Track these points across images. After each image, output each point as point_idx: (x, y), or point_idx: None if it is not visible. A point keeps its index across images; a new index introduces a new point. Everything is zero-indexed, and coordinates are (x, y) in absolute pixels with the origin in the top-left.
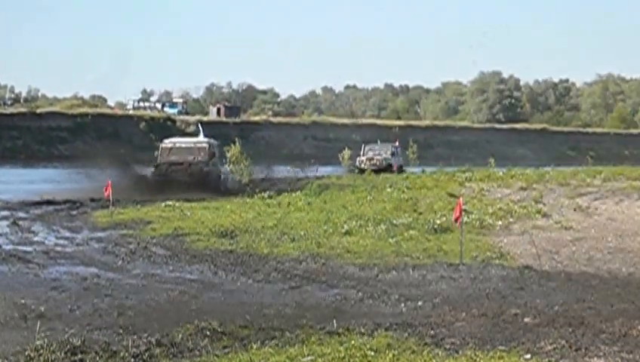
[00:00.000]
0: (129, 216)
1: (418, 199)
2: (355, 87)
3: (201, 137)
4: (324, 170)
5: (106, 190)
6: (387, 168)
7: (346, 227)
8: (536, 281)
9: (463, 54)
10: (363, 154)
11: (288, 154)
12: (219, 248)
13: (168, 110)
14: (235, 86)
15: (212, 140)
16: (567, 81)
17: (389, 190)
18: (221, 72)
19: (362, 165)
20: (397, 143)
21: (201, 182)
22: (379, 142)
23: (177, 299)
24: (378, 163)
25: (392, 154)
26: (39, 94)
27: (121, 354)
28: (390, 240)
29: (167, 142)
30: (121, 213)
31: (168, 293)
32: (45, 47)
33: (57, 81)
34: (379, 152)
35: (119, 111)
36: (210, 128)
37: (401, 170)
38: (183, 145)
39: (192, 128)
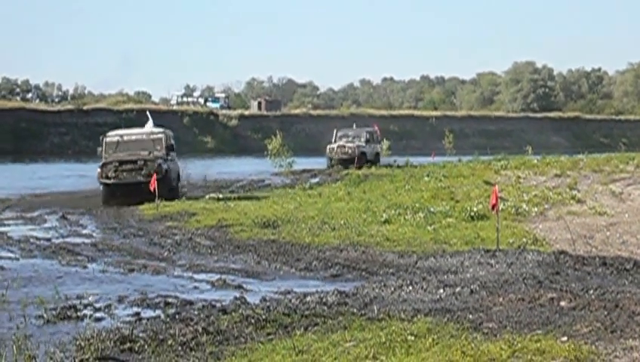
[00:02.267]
0: (174, 209)
1: (455, 187)
2: (392, 79)
3: (150, 125)
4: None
5: (151, 184)
6: (360, 159)
7: (385, 216)
8: (572, 266)
9: (497, 45)
10: (334, 141)
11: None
12: (262, 238)
13: (211, 105)
14: (275, 80)
15: (167, 130)
16: (599, 69)
17: (426, 179)
18: (262, 66)
19: (332, 154)
20: (375, 128)
21: (159, 183)
22: (354, 126)
23: (221, 288)
24: (350, 152)
25: (367, 141)
26: (86, 91)
27: (169, 342)
28: (428, 227)
29: (113, 135)
30: (167, 206)
31: (213, 283)
32: (92, 45)
33: (103, 79)
34: (352, 139)
35: (163, 107)
36: (252, 121)
37: (374, 161)
38: (133, 138)
39: (234, 122)
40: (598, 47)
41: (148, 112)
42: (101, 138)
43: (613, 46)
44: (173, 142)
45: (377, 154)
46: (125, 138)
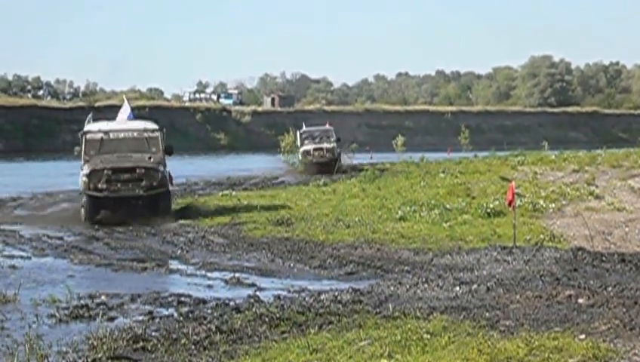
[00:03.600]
0: (187, 206)
1: (471, 184)
2: (407, 74)
3: (125, 114)
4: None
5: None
6: (333, 162)
7: (400, 213)
8: (590, 262)
9: (513, 39)
10: (300, 144)
11: (342, 142)
12: (275, 236)
13: (224, 101)
14: (288, 76)
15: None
16: (617, 63)
17: (442, 175)
18: (275, 62)
19: (308, 158)
20: (328, 125)
21: (161, 198)
22: (304, 125)
23: (235, 287)
24: (329, 155)
25: (338, 140)
26: (97, 88)
27: (182, 341)
28: (444, 224)
29: (95, 131)
30: (179, 204)
31: (227, 281)
32: (103, 42)
33: (115, 75)
34: (319, 140)
35: (176, 103)
36: (265, 117)
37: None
38: (122, 135)
39: (247, 118)
40: (616, 41)
41: (125, 98)
42: (80, 134)
43: (632, 39)
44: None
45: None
46: (111, 135)
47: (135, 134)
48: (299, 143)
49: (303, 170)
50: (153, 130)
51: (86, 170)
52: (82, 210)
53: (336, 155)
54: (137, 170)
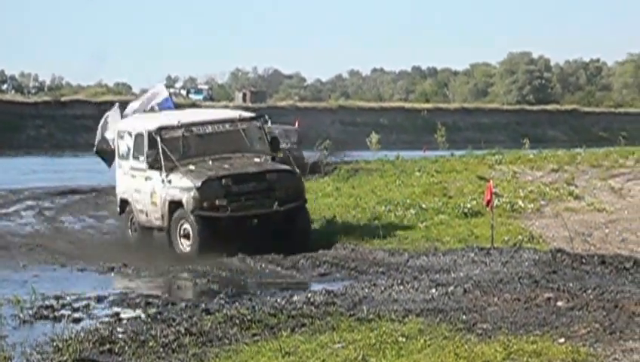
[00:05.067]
0: None
1: (448, 183)
2: (382, 70)
3: (156, 99)
4: None
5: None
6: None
7: (374, 212)
8: (569, 265)
9: (491, 35)
10: None
11: (316, 139)
12: None
13: (193, 96)
14: (260, 71)
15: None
16: (598, 60)
17: (417, 174)
18: (246, 57)
19: None
20: (297, 125)
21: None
22: (269, 122)
23: (207, 288)
24: (284, 157)
25: (300, 142)
26: (63, 82)
27: (150, 343)
28: (420, 224)
29: (172, 123)
30: None
31: (197, 282)
32: (69, 34)
33: (81, 69)
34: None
35: None
36: None
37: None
38: (210, 129)
39: None
40: (596, 37)
41: (162, 85)
42: (144, 132)
43: (613, 36)
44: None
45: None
46: (195, 130)
47: (228, 126)
48: None
49: None
50: (251, 120)
51: (189, 180)
52: (176, 239)
53: (291, 159)
54: (267, 176)
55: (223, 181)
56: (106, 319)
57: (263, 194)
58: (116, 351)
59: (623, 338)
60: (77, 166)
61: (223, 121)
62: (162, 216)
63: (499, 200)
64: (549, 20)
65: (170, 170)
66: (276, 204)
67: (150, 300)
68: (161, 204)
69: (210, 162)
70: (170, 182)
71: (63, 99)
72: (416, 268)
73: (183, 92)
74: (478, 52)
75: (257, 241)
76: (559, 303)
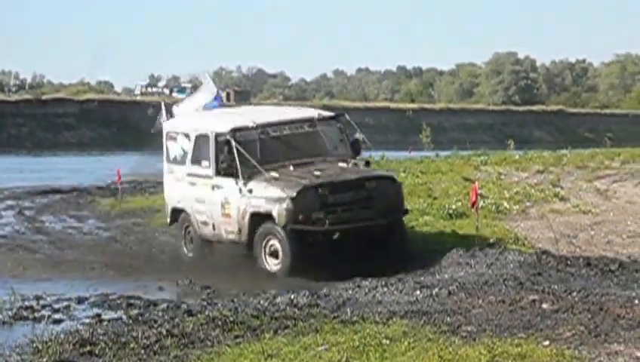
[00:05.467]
0: (137, 205)
1: (433, 184)
2: (367, 69)
3: (205, 98)
4: None
5: (118, 178)
6: None
7: None
8: (554, 266)
9: (477, 34)
10: None
11: None
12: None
13: (177, 95)
14: (244, 70)
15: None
16: (584, 61)
17: (402, 175)
18: (230, 55)
19: None
20: None
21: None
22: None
23: (189, 289)
24: None
25: None
26: (44, 80)
27: (131, 345)
28: None
29: (246, 124)
30: (129, 202)
31: (178, 283)
32: (51, 32)
33: (63, 67)
34: None
35: (126, 97)
36: None
37: None
38: (287, 130)
39: None
40: (582, 38)
41: (207, 75)
42: (210, 134)
43: (599, 36)
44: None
45: None
46: (272, 132)
47: (307, 127)
48: None
49: None
50: (330, 119)
51: (279, 190)
52: (260, 257)
53: None
54: (367, 184)
55: (319, 190)
56: (87, 320)
57: (361, 205)
58: (97, 352)
59: (607, 341)
60: (58, 165)
61: (302, 121)
62: (239, 230)
63: (484, 202)
64: (535, 20)
65: (249, 177)
66: (380, 216)
67: (132, 301)
68: (237, 216)
69: (292, 168)
70: (250, 191)
71: (44, 97)
72: (401, 270)
73: (167, 91)
74: (464, 52)
75: (353, 257)
76: (544, 305)
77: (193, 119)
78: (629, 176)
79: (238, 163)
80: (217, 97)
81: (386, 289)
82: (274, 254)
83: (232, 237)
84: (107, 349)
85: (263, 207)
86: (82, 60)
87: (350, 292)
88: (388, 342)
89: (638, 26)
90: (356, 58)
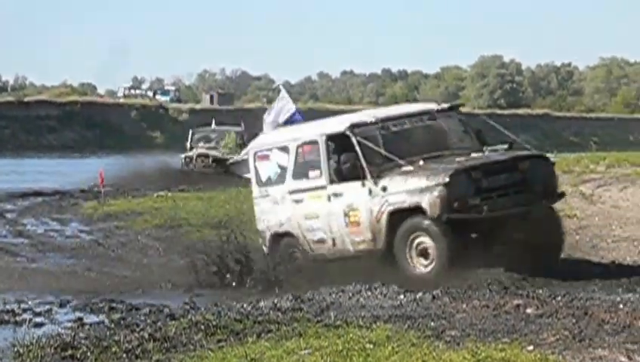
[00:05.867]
0: (120, 208)
1: None
2: (352, 72)
3: (283, 115)
4: None
5: (100, 181)
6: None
7: None
8: (539, 271)
9: (462, 38)
10: (189, 146)
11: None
12: (213, 239)
13: (160, 98)
14: (228, 72)
15: None
16: (569, 64)
17: None
18: (214, 58)
19: (189, 165)
20: (242, 126)
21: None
22: (213, 124)
23: (171, 292)
24: (215, 163)
25: (241, 146)
26: (27, 82)
27: (113, 349)
28: None
29: (365, 120)
30: (112, 204)
31: (161, 286)
32: (33, 34)
33: (46, 69)
34: (216, 143)
35: (109, 100)
36: (203, 115)
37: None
38: (407, 124)
39: (184, 116)
40: (568, 41)
41: (282, 88)
42: (318, 139)
43: (584, 40)
44: None
45: None
46: (392, 127)
47: (427, 120)
48: (188, 146)
49: (183, 179)
50: (449, 111)
51: (425, 178)
52: (405, 259)
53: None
54: (519, 165)
55: (472, 174)
56: (69, 324)
57: (516, 189)
58: (78, 356)
59: (592, 345)
60: (40, 167)
61: (421, 114)
62: (373, 236)
63: None
64: (521, 24)
65: (378, 175)
66: (539, 201)
67: (114, 305)
68: (369, 220)
69: (422, 162)
70: (384, 189)
71: (26, 99)
72: (385, 274)
73: (150, 93)
74: (449, 55)
75: (509, 251)
76: (528, 310)
77: (287, 131)
78: (614, 180)
79: (363, 161)
80: (296, 112)
81: (369, 293)
82: (423, 253)
83: (363, 247)
84: (89, 353)
85: (407, 201)
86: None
87: (334, 296)
88: (371, 346)
89: (623, 29)
90: (341, 61)
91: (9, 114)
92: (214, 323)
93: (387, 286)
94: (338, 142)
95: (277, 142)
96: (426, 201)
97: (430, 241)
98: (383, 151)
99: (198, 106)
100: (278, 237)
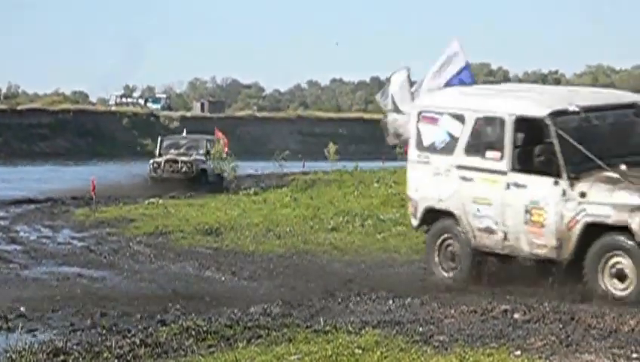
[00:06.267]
0: (111, 215)
1: (406, 194)
2: (341, 80)
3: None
4: None
5: (92, 188)
6: (199, 176)
7: (332, 223)
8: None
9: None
10: (158, 153)
11: (274, 149)
12: (203, 246)
13: (151, 106)
14: (219, 81)
15: None
16: (556, 72)
17: (376, 185)
18: (205, 66)
19: (157, 173)
20: (219, 135)
21: None
22: (185, 132)
23: (162, 299)
24: (185, 169)
25: (208, 153)
26: (19, 90)
27: (105, 354)
28: (377, 236)
29: (564, 108)
30: (104, 212)
31: (153, 292)
32: (25, 42)
33: (38, 77)
34: (186, 150)
35: (101, 108)
36: (194, 123)
37: (216, 182)
38: (611, 117)
39: (175, 124)
40: (554, 49)
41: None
42: (505, 117)
43: (571, 48)
44: None
45: (219, 175)
46: (599, 119)
47: (632, 115)
48: (157, 151)
49: (151, 186)
50: None
51: (637, 196)
52: (596, 280)
53: (197, 170)
54: None
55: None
56: (61, 330)
57: None
58: None
59: (578, 350)
60: (32, 175)
61: (625, 107)
62: (559, 244)
63: None
64: (508, 31)
65: (576, 177)
66: None
67: (105, 311)
68: (558, 225)
69: (623, 167)
70: (583, 195)
71: (19, 107)
72: (374, 280)
73: (141, 101)
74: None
75: None
76: (516, 315)
77: (465, 96)
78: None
79: (560, 157)
80: (466, 68)
81: (358, 298)
82: (619, 275)
83: (542, 251)
84: (81, 359)
85: (612, 217)
86: (57, 70)
87: (323, 302)
88: (360, 351)
89: (609, 37)
90: (330, 68)
91: (2, 122)
92: (205, 328)
93: (376, 292)
94: (529, 127)
95: (450, 107)
96: (637, 223)
97: (631, 264)
98: (583, 148)
99: (189, 114)
100: (432, 213)
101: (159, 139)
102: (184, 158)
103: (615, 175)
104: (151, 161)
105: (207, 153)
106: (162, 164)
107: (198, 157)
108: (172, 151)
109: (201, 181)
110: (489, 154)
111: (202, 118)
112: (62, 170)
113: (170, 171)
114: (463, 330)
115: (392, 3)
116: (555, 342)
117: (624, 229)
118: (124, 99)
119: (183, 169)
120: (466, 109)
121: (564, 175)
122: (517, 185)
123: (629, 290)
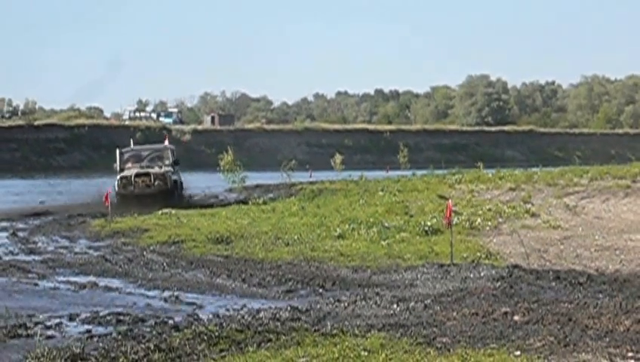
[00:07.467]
0: (126, 225)
1: (409, 202)
2: (346, 93)
3: None
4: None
5: (105, 199)
6: (173, 190)
7: (339, 230)
8: (526, 280)
9: (451, 58)
10: (119, 167)
11: (282, 160)
12: (215, 254)
13: (163, 120)
14: (228, 95)
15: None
16: (553, 83)
17: (380, 193)
18: (215, 81)
19: (128, 189)
20: (167, 142)
21: None
22: (131, 142)
23: (175, 305)
24: (159, 183)
25: (175, 163)
26: (36, 106)
27: (120, 359)
28: (382, 242)
29: None
30: (119, 222)
31: (166, 299)
32: (42, 59)
33: (54, 93)
34: (150, 162)
35: (115, 122)
36: (205, 136)
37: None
38: None
39: (187, 137)
40: (551, 60)
41: None
42: None
43: (567, 59)
44: None
45: (181, 184)
46: None
47: None
48: (117, 167)
49: (120, 204)
50: None
51: None
52: None
53: (170, 183)
54: None
55: None
56: (78, 336)
57: None
58: None
59: (576, 350)
60: (50, 188)
61: None
62: None
63: (458, 219)
64: (507, 44)
65: None
66: None
67: (121, 318)
68: None
69: None
70: None
71: (36, 123)
72: (379, 285)
73: (154, 115)
74: (439, 75)
75: None
76: (515, 317)
77: None
78: (597, 192)
79: None
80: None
81: (364, 302)
82: None
83: None
84: None
85: None
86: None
87: (330, 306)
88: (366, 353)
89: (604, 48)
90: (336, 82)
91: (20, 137)
92: (217, 333)
93: (381, 297)
94: None
95: None
96: None
97: None
98: None
99: (200, 127)
100: None
101: (117, 151)
102: (155, 171)
103: None
104: (118, 177)
105: (175, 163)
106: (132, 178)
107: (167, 168)
108: (134, 164)
109: (174, 194)
110: None
111: (213, 131)
112: (78, 182)
113: (144, 186)
114: (464, 332)
115: (393, 17)
116: (553, 342)
117: None
118: (137, 114)
119: (156, 182)
120: None
121: None
122: None
123: None
